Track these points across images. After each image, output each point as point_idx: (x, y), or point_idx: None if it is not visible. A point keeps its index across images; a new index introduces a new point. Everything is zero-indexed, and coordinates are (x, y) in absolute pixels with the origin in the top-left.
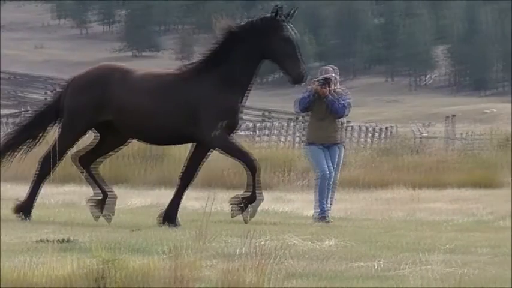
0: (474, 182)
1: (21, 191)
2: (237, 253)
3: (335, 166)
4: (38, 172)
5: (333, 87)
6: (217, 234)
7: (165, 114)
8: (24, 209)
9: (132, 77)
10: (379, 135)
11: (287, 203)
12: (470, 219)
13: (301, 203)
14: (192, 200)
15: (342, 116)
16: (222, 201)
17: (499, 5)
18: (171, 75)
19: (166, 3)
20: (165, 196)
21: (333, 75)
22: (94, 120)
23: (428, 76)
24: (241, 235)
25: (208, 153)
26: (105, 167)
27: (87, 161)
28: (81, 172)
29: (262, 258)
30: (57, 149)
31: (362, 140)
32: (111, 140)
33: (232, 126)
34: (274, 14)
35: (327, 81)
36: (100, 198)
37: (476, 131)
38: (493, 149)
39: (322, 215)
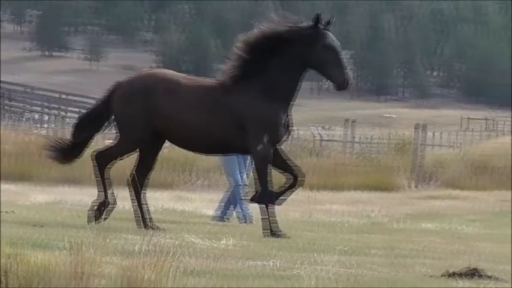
0: (371, 184)
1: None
2: (136, 250)
3: (247, 167)
4: (94, 167)
5: None
6: (118, 231)
7: (212, 127)
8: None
9: (177, 88)
10: None
11: (187, 202)
12: (366, 221)
13: (200, 202)
14: (94, 198)
15: None
16: (123, 199)
17: (401, 12)
18: (216, 86)
19: (76, 4)
20: (69, 193)
21: None
22: (148, 131)
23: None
24: (141, 233)
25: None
26: (10, 164)
27: (140, 179)
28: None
29: (161, 256)
30: (112, 153)
31: None
32: (152, 148)
33: (277, 139)
34: (315, 22)
35: None
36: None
37: (375, 135)
38: (390, 153)
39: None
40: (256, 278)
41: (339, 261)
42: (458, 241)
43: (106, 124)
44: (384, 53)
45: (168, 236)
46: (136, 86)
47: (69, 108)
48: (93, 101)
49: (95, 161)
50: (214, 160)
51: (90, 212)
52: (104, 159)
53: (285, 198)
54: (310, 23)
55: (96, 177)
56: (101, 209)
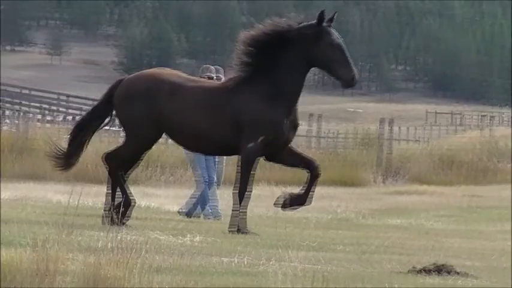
0: (337, 180)
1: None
2: (101, 247)
3: (216, 164)
4: (108, 171)
5: None
6: (82, 228)
7: (214, 128)
8: (110, 209)
9: (181, 89)
10: None
11: (152, 198)
12: (333, 216)
13: (165, 198)
14: (58, 194)
15: None
16: (87, 195)
17: (366, 5)
18: (220, 88)
19: None
20: (33, 190)
21: (219, 75)
22: (153, 132)
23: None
24: (105, 229)
25: (289, 143)
26: None
27: (118, 162)
28: (111, 173)
29: (126, 253)
30: (121, 155)
31: None
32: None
33: (276, 140)
34: (318, 19)
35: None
36: (116, 203)
37: (340, 129)
38: (356, 148)
39: (213, 214)
40: (222, 274)
41: (306, 258)
42: (425, 237)
43: (106, 122)
44: (348, 46)
45: (133, 233)
46: (140, 86)
47: (32, 104)
48: (55, 96)
49: (105, 163)
50: (179, 155)
51: (105, 212)
52: (113, 160)
53: (312, 194)
54: (314, 21)
55: (109, 179)
56: (125, 210)
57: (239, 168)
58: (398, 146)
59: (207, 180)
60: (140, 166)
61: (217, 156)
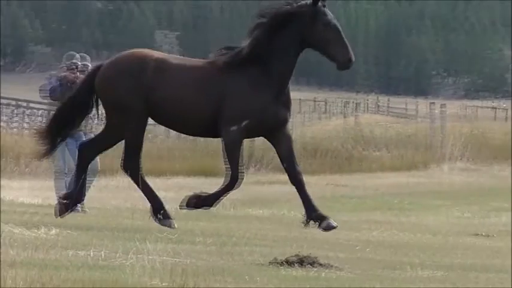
0: (198, 170)
1: None
2: None
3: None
4: (136, 184)
5: (78, 74)
6: None
7: (198, 107)
8: (157, 211)
9: (168, 67)
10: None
11: (6, 190)
12: None
13: (20, 190)
14: None
15: None
16: None
17: None
18: (208, 67)
19: None
20: None
21: (86, 62)
22: (143, 111)
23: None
24: None
25: (290, 142)
26: None
27: (92, 150)
28: (79, 164)
29: None
30: (132, 150)
31: None
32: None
33: (262, 126)
34: (314, 0)
35: (74, 68)
36: (71, 192)
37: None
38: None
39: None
40: (78, 268)
41: (165, 250)
42: (288, 228)
43: (89, 112)
44: (208, 33)
45: None
46: (125, 66)
47: None
48: None
49: (127, 172)
50: (34, 146)
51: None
52: (131, 160)
53: (218, 203)
54: (308, 1)
55: (140, 187)
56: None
57: (225, 155)
58: None
59: (66, 172)
60: None
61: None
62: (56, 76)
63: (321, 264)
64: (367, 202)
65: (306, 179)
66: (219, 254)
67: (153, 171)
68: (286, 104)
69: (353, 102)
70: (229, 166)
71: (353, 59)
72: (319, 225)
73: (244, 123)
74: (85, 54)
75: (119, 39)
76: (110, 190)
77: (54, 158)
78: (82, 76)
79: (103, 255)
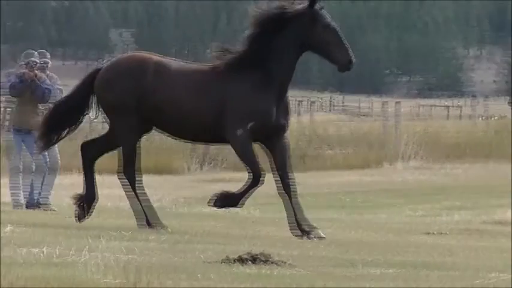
0: (150, 168)
1: None
2: None
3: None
4: (129, 190)
5: (37, 72)
6: None
7: (198, 110)
8: (148, 222)
9: (167, 70)
10: None
11: None
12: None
13: None
14: None
15: (46, 102)
16: None
17: None
18: (208, 71)
19: None
20: None
21: (45, 59)
22: (141, 115)
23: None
24: None
25: (286, 151)
26: None
27: (93, 151)
28: (84, 163)
29: None
30: (128, 156)
31: None
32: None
33: (265, 128)
34: (310, 1)
35: (33, 65)
36: (83, 195)
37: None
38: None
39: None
40: (32, 265)
41: (119, 248)
42: (241, 225)
43: (85, 114)
44: (163, 31)
45: None
46: (124, 67)
47: None
48: None
49: (123, 178)
50: None
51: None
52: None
53: (245, 200)
54: (305, 4)
55: (131, 194)
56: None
57: (240, 158)
58: None
59: (21, 169)
60: None
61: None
62: (15, 73)
63: (273, 262)
64: (321, 200)
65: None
66: (173, 252)
67: (108, 168)
68: (286, 110)
69: (307, 100)
70: (248, 168)
71: (354, 60)
72: (308, 235)
73: (249, 125)
74: (44, 51)
75: (74, 37)
76: (64, 188)
77: (13, 154)
78: (41, 74)
79: (57, 252)
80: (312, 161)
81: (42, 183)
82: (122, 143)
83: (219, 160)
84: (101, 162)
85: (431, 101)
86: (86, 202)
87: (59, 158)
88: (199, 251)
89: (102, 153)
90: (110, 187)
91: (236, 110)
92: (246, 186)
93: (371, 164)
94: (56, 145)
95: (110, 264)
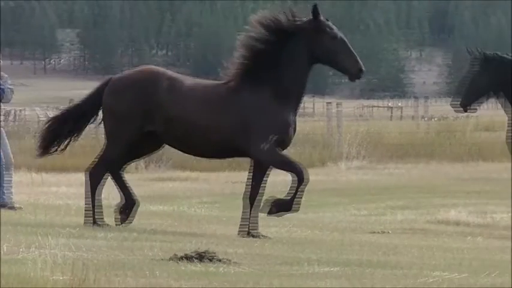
0: None
1: None
2: None
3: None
4: (87, 187)
5: None
6: None
7: (216, 127)
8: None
9: (181, 86)
10: (6, 118)
11: None
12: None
13: None
14: None
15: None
16: None
17: None
18: (222, 86)
19: None
20: None
21: None
22: (143, 128)
23: (55, 60)
24: None
25: (267, 167)
26: None
27: (117, 165)
28: (113, 177)
29: None
30: (107, 160)
31: None
32: (145, 145)
33: (285, 141)
34: (314, 13)
35: None
36: (124, 203)
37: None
38: None
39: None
40: None
41: (67, 245)
42: (188, 224)
43: (90, 121)
44: (109, 31)
45: None
46: (135, 78)
47: None
48: None
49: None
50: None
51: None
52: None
53: (299, 200)
54: (309, 16)
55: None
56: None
57: (275, 167)
58: None
59: None
60: None
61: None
62: None
63: (219, 260)
64: (265, 199)
65: (206, 176)
66: (120, 249)
67: (56, 167)
68: (295, 124)
69: None
70: (289, 171)
71: (363, 69)
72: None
73: (272, 138)
74: None
75: (21, 36)
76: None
77: None
78: None
79: (5, 249)
80: None
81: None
82: (109, 146)
83: (164, 159)
84: (46, 161)
85: (373, 102)
86: (128, 206)
87: (11, 155)
88: (147, 248)
89: (124, 164)
90: (57, 185)
91: (257, 124)
92: (294, 188)
93: (315, 164)
94: (8, 143)
95: (58, 261)
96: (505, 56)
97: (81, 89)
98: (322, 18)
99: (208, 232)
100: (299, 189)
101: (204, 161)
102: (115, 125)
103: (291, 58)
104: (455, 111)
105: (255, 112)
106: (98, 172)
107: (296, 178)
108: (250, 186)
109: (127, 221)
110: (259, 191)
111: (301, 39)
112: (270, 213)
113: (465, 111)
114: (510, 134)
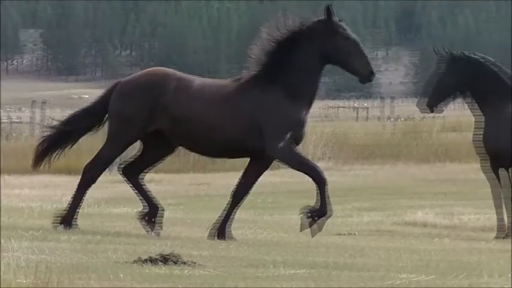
0: (63, 168)
1: None
2: None
3: None
4: (80, 181)
5: None
6: None
7: (226, 126)
8: (66, 220)
9: (189, 86)
10: None
11: None
12: (58, 206)
13: None
14: None
15: None
16: None
17: None
18: (231, 85)
19: None
20: None
21: None
22: (147, 129)
23: (18, 61)
24: None
25: (264, 170)
26: None
27: (133, 171)
28: (128, 183)
29: None
30: (103, 158)
31: None
32: (158, 148)
33: (298, 139)
34: (327, 14)
35: None
36: (147, 211)
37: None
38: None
39: None
40: None
41: (30, 248)
42: None
43: (97, 125)
44: (72, 32)
45: None
46: (143, 80)
47: None
48: None
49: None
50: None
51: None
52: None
53: (329, 202)
54: (323, 17)
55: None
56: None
57: (291, 167)
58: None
59: None
60: None
61: None
62: None
63: (184, 262)
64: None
65: (170, 177)
66: (84, 252)
67: (18, 169)
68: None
69: None
70: (306, 172)
71: (374, 71)
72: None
73: (287, 136)
74: None
75: None
76: None
77: None
78: None
79: None
80: (221, 161)
81: None
82: (109, 146)
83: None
84: (8, 163)
85: (339, 103)
86: (152, 216)
87: None
88: (110, 251)
89: (141, 171)
90: (20, 187)
91: (271, 122)
92: (319, 192)
93: (281, 166)
94: None
95: (21, 264)
96: (471, 55)
97: (43, 90)
98: (335, 19)
99: (173, 234)
100: (324, 191)
101: (167, 163)
102: (120, 127)
103: (303, 58)
104: (421, 111)
105: (267, 111)
106: (93, 170)
107: (317, 182)
108: (239, 184)
109: (157, 228)
110: (248, 191)
111: (314, 39)
112: (311, 225)
113: (432, 111)
114: (477, 135)
